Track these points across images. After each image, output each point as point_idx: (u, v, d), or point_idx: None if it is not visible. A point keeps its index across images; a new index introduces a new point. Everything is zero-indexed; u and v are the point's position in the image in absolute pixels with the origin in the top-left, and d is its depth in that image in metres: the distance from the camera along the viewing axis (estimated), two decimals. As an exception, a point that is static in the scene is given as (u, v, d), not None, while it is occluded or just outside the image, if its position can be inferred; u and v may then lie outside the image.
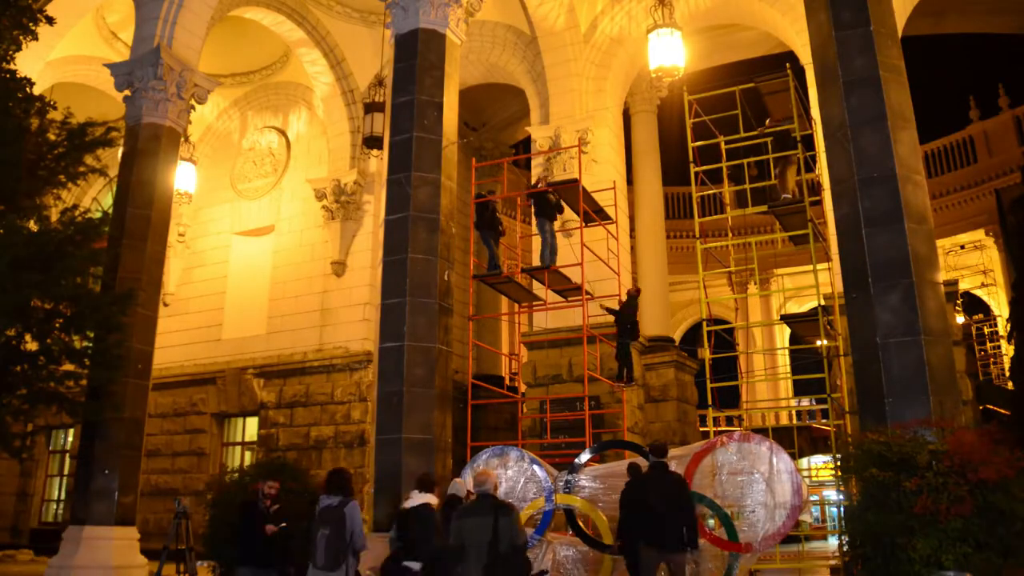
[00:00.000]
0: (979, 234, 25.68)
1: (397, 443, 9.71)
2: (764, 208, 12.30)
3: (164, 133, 13.47)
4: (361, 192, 17.94)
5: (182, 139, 15.09)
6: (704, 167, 12.56)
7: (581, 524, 8.87)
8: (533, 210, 12.91)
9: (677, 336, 30.65)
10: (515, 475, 9.13)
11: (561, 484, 8.91)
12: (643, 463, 8.32)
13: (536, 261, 12.90)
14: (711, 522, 8.14)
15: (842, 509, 9.51)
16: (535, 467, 9.07)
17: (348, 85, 18.48)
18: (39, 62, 16.01)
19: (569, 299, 13.33)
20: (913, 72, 9.18)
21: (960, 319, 22.01)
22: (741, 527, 7.89)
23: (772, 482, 7.87)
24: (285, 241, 19.08)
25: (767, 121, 11.77)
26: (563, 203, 12.84)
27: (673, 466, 8.19)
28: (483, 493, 6.12)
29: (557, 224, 13.00)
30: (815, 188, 12.43)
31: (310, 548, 6.72)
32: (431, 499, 7.22)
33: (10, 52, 10.98)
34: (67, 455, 20.92)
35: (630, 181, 19.39)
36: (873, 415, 7.87)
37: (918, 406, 7.59)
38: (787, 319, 13.81)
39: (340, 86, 18.46)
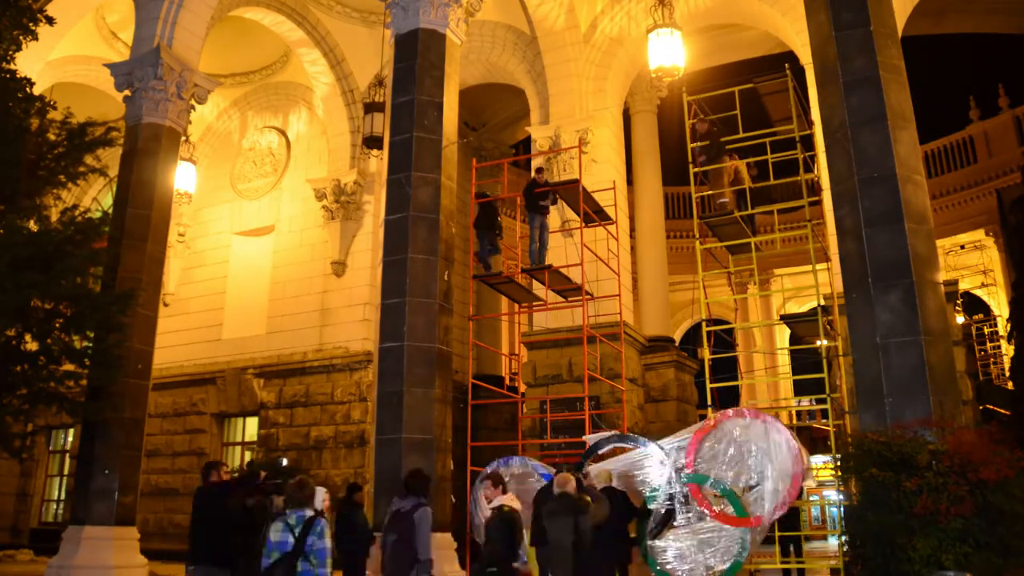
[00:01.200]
0: (979, 234, 25.67)
1: (397, 443, 9.71)
2: (764, 209, 12.31)
3: (164, 133, 13.47)
4: (361, 192, 17.95)
5: (182, 139, 15.09)
6: (704, 167, 12.55)
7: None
8: (524, 205, 12.96)
9: (677, 336, 30.65)
10: (527, 475, 9.32)
11: None
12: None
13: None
14: (719, 502, 8.17)
15: (842, 509, 9.51)
16: (543, 474, 9.24)
17: (348, 85, 18.48)
18: (39, 62, 16.00)
19: (569, 299, 13.33)
20: (913, 72, 9.18)
21: (960, 319, 22.01)
22: (747, 502, 7.96)
23: (771, 454, 7.95)
24: (285, 241, 19.08)
25: (697, 124, 11.80)
26: (554, 196, 12.83)
27: (675, 451, 8.40)
28: (562, 494, 6.23)
29: (556, 223, 13.00)
30: (815, 188, 12.43)
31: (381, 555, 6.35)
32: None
33: (10, 52, 10.98)
34: (67, 455, 20.92)
35: (630, 181, 19.39)
36: (873, 415, 7.87)
37: (918, 406, 7.59)
38: (787, 319, 13.82)
39: (340, 86, 18.46)
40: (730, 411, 8.51)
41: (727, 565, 8.04)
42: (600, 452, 9.22)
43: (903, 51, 9.03)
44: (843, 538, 8.14)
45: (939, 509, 6.39)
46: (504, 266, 13.30)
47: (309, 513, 5.47)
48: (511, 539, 6.58)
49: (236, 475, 8.48)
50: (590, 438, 9.54)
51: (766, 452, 7.97)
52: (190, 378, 19.00)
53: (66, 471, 20.78)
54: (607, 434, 9.44)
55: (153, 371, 13.02)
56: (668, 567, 8.25)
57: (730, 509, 8.00)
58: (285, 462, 8.32)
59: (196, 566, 6.75)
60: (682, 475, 8.29)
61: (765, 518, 7.90)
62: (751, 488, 7.99)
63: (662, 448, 8.58)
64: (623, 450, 9.26)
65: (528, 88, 17.75)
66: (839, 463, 8.32)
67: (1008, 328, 21.04)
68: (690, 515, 8.21)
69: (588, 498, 7.21)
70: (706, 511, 8.11)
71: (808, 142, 12.04)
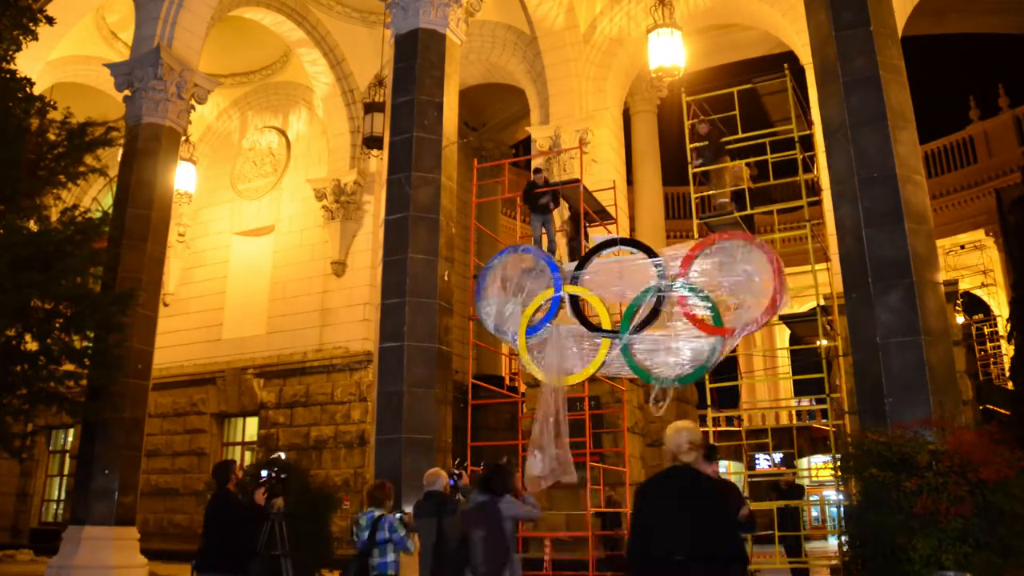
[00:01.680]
0: (979, 234, 25.67)
1: (397, 443, 9.71)
2: (763, 209, 12.30)
3: (164, 133, 13.47)
4: (361, 192, 17.95)
5: (182, 139, 15.09)
6: (703, 167, 12.54)
7: (584, 311, 9.57)
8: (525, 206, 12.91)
9: (677, 336, 30.61)
10: (531, 266, 9.85)
11: (568, 277, 9.60)
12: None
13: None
14: (701, 310, 8.76)
15: (842, 509, 9.51)
16: (546, 262, 9.76)
17: (348, 85, 18.49)
18: (39, 62, 16.00)
19: (569, 299, 13.29)
20: (913, 72, 9.17)
21: (960, 319, 22.01)
22: (727, 315, 8.64)
23: (755, 275, 8.54)
24: (285, 241, 19.08)
25: (697, 125, 11.96)
26: (554, 197, 12.79)
27: (672, 259, 9.00)
28: (429, 493, 6.08)
29: (555, 223, 12.95)
30: (815, 188, 12.42)
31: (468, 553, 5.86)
32: None
33: (10, 52, 10.98)
34: (67, 455, 20.92)
35: (630, 181, 19.38)
36: (873, 415, 7.87)
37: (918, 406, 7.58)
38: (787, 319, 13.80)
39: (340, 86, 18.47)
40: (725, 233, 9.18)
41: (694, 368, 8.71)
42: (604, 253, 9.70)
43: (903, 51, 9.02)
44: (843, 538, 8.14)
45: (939, 509, 6.38)
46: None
47: (378, 513, 6.14)
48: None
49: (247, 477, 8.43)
50: (597, 238, 10.06)
51: (751, 274, 8.57)
52: (190, 378, 18.99)
53: (66, 471, 20.78)
54: (613, 236, 10.07)
55: (153, 371, 13.02)
56: (644, 362, 8.93)
57: (709, 318, 8.62)
58: (283, 455, 8.27)
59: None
60: (674, 282, 8.88)
61: (738, 331, 8.57)
62: (731, 303, 8.65)
63: (661, 255, 9.16)
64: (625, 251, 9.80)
65: (528, 88, 17.75)
66: (839, 463, 8.32)
67: (1008, 328, 21.04)
68: (673, 317, 8.86)
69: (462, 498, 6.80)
70: (687, 317, 8.74)
71: (808, 142, 12.03)
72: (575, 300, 9.48)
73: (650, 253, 9.24)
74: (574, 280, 9.55)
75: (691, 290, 8.76)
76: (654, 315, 8.86)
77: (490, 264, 10.05)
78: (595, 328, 9.32)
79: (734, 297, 8.64)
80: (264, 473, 7.21)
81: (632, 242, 9.85)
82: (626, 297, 9.24)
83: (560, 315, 9.52)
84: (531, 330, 9.53)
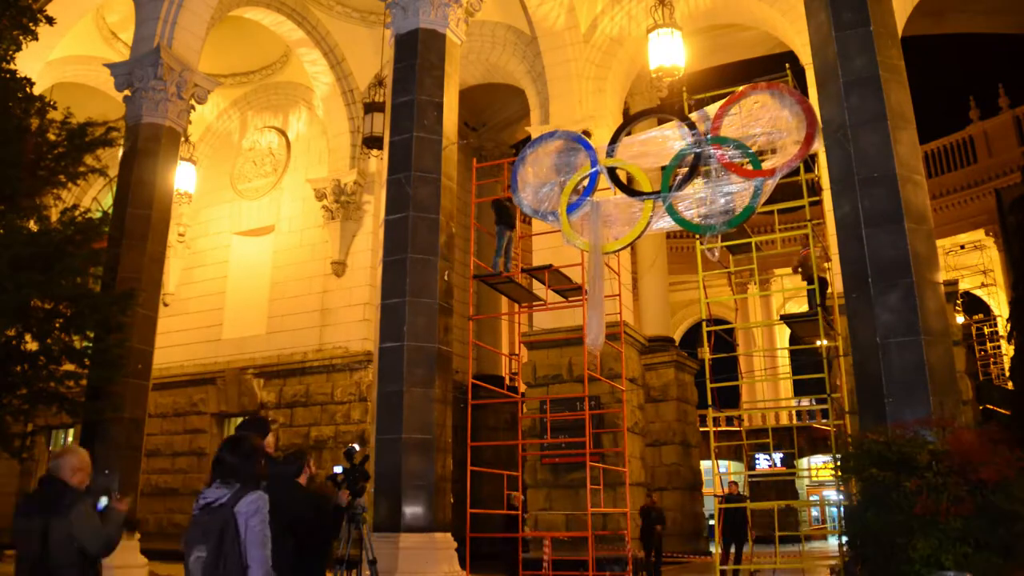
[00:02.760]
0: (979, 234, 25.70)
1: (397, 443, 9.70)
2: (764, 208, 12.29)
3: (164, 133, 13.46)
4: (361, 192, 17.96)
5: (182, 139, 15.09)
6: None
7: (622, 179, 9.94)
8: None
9: (677, 336, 30.66)
10: (564, 148, 10.21)
11: (604, 153, 10.00)
12: None
13: (536, 262, 12.78)
14: (739, 157, 9.07)
15: (842, 509, 9.51)
16: (579, 141, 10.20)
17: (348, 85, 18.49)
18: (39, 62, 16.00)
19: (569, 299, 13.31)
20: (913, 72, 9.17)
21: (960, 319, 22.01)
22: (765, 159, 8.98)
23: (786, 118, 8.85)
24: (285, 241, 19.09)
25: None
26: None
27: (702, 119, 9.29)
28: (46, 479, 4.36)
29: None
30: (815, 188, 12.41)
31: None
32: None
33: (10, 52, 10.97)
34: (67, 455, 20.91)
35: (630, 181, 19.37)
36: (873, 415, 7.86)
37: (918, 406, 7.58)
38: (787, 319, 13.81)
39: (340, 86, 18.47)
40: (754, 85, 9.39)
41: (742, 211, 9.02)
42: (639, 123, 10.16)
43: (903, 51, 9.02)
44: (843, 538, 8.15)
45: (939, 509, 6.38)
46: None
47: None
48: None
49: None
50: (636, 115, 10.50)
51: (783, 116, 8.88)
52: (190, 378, 18.99)
53: (66, 471, 20.77)
54: (646, 108, 10.41)
55: (153, 371, 13.01)
56: (688, 213, 9.25)
57: (748, 164, 8.96)
58: (356, 447, 6.95)
59: None
60: (708, 137, 9.15)
61: (780, 170, 8.88)
62: (767, 146, 8.99)
63: (690, 118, 9.52)
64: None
65: (528, 88, 17.75)
66: (839, 463, 8.32)
67: (1008, 328, 21.05)
68: (712, 171, 9.18)
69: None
70: (726, 166, 9.03)
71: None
72: (612, 171, 9.78)
73: (681, 117, 9.54)
74: (609, 154, 9.87)
75: (726, 141, 9.02)
76: (693, 171, 9.13)
77: (523, 154, 10.39)
78: (636, 193, 9.57)
79: (769, 141, 8.91)
80: (338, 469, 6.25)
81: (668, 116, 10.21)
82: (661, 161, 9.56)
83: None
84: (571, 207, 9.81)
